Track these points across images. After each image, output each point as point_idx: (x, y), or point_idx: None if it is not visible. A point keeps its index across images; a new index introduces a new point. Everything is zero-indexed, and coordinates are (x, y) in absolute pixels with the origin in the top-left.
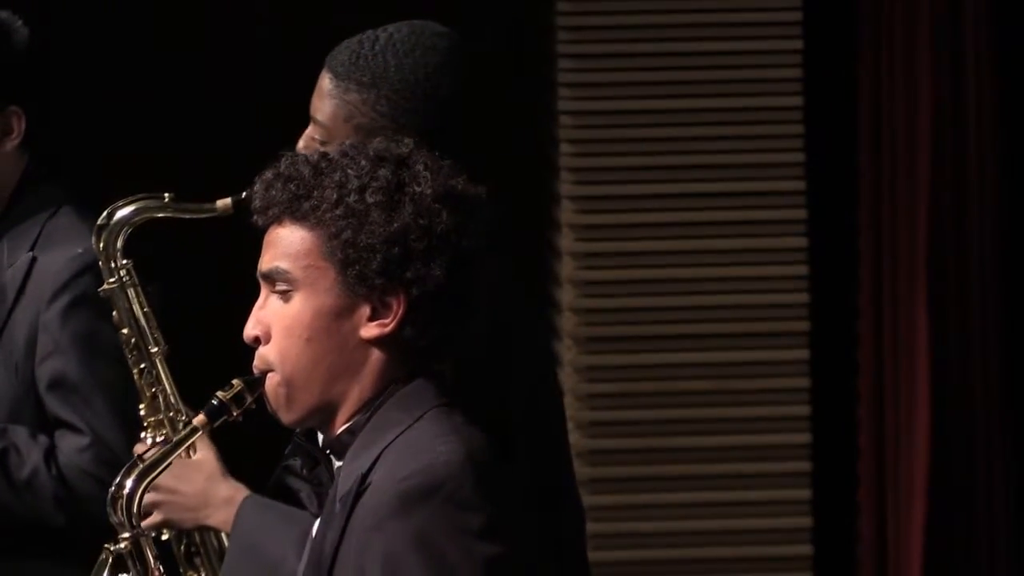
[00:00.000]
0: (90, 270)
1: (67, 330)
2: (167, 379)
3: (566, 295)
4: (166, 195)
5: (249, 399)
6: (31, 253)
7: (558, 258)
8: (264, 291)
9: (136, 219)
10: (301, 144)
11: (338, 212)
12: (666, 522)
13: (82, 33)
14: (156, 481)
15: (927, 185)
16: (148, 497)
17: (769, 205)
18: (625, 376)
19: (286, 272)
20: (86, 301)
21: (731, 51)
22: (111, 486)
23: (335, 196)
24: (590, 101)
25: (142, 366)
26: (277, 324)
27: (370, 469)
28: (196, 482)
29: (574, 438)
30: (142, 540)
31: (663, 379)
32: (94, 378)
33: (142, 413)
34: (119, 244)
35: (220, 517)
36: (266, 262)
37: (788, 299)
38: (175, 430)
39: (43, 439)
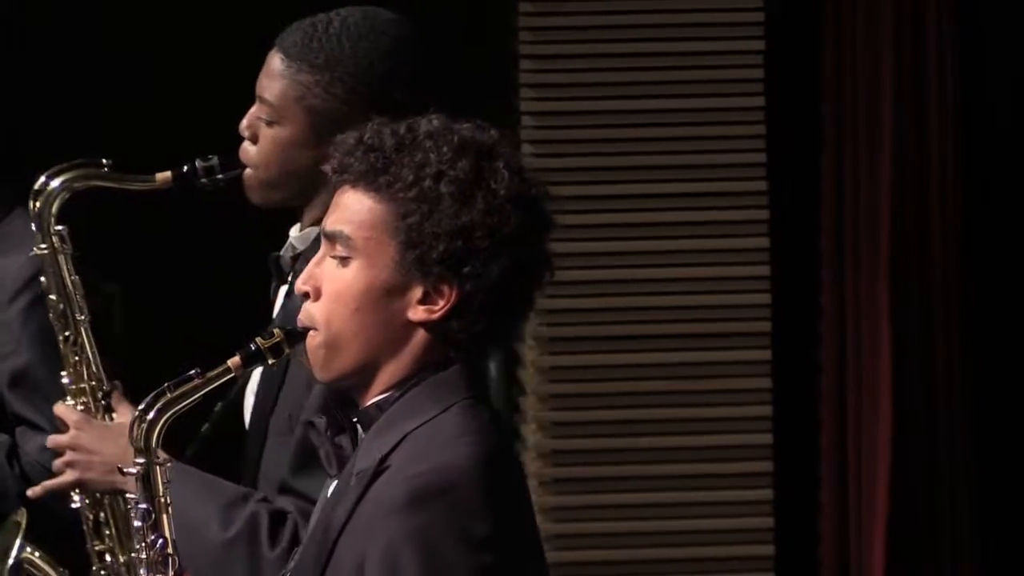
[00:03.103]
0: None
1: (28, 329)
2: (91, 347)
3: None
4: (105, 162)
5: (287, 351)
6: None
7: None
8: (324, 248)
9: (74, 185)
10: (244, 123)
11: (411, 194)
12: (628, 522)
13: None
14: (77, 440)
15: (889, 185)
16: (67, 456)
17: (731, 206)
18: (587, 376)
19: (348, 238)
20: (47, 299)
21: (693, 52)
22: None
23: (411, 177)
24: (552, 102)
25: (67, 334)
26: (329, 286)
27: (391, 451)
28: (119, 444)
29: (537, 438)
30: (154, 468)
31: (625, 379)
32: (56, 375)
33: (65, 380)
34: (54, 209)
35: None
36: (331, 222)
37: (750, 299)
38: (95, 399)
39: (4, 438)
